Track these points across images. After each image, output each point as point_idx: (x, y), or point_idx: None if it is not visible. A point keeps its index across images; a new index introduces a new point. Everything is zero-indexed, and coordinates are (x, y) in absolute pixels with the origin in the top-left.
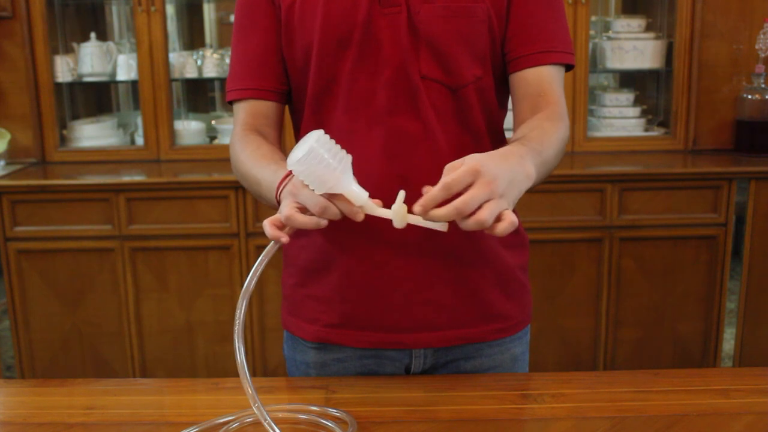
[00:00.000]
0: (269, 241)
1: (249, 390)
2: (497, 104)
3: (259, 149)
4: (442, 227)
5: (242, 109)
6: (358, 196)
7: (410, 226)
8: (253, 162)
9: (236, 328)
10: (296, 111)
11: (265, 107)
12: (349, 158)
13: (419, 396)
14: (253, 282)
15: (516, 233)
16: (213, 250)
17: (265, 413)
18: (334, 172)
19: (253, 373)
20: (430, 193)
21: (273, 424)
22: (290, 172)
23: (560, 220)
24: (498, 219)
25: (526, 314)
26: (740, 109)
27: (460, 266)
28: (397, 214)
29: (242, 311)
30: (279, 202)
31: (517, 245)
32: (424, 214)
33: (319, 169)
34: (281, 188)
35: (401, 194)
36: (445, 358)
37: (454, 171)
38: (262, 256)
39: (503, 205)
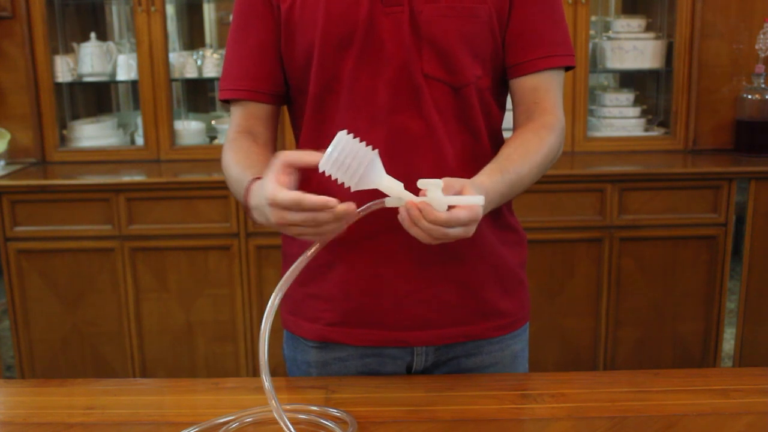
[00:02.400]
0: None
1: (266, 383)
2: (496, 105)
3: (240, 153)
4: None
5: (237, 110)
6: (393, 189)
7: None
8: (234, 166)
9: (263, 330)
10: (297, 110)
11: (259, 109)
12: (375, 152)
13: (419, 396)
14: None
15: (514, 231)
16: (213, 250)
17: (280, 410)
18: (360, 166)
19: (253, 373)
20: (438, 217)
21: (286, 420)
22: (254, 180)
23: (560, 220)
24: None
25: (525, 312)
26: (740, 109)
27: (460, 264)
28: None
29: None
30: (247, 208)
31: (516, 243)
32: (409, 222)
33: (348, 161)
34: (248, 197)
35: (438, 182)
36: (446, 355)
37: (453, 190)
38: (301, 258)
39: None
